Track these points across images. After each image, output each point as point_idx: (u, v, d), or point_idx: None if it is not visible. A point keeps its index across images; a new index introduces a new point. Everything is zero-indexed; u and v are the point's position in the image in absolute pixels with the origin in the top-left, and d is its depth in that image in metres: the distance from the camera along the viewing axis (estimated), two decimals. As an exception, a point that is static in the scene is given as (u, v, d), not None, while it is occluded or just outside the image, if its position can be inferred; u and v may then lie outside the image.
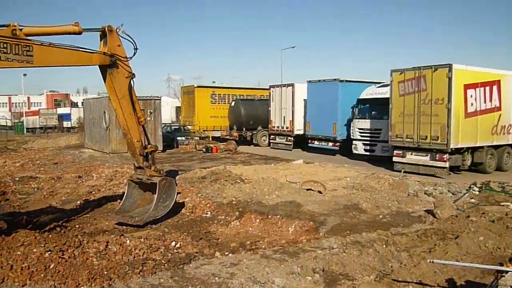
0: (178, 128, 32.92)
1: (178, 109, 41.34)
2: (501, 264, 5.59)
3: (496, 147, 18.33)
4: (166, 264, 7.48)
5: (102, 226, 10.16)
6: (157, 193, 10.24)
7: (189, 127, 33.52)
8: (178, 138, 29.46)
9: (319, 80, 25.23)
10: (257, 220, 10.50)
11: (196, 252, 8.31)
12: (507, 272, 4.91)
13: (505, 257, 6.66)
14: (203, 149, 26.72)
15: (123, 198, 10.95)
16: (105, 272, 6.90)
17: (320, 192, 13.09)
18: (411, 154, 17.82)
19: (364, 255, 7.54)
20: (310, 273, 6.83)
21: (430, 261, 6.27)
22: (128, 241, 8.29)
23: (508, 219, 9.52)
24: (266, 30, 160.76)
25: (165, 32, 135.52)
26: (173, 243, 8.65)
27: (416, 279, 6.59)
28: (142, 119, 10.85)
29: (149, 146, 11.03)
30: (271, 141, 29.68)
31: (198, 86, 34.42)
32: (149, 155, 10.93)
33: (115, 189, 14.10)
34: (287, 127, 27.82)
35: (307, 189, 13.26)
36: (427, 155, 17.24)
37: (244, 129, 31.03)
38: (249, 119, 30.86)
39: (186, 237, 9.33)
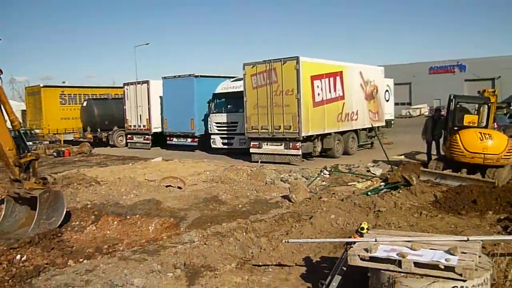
0: (24, 133, 30.03)
1: (24, 113, 37.85)
2: (349, 237, 5.97)
3: (342, 133, 19.79)
4: (10, 281, 6.70)
5: None
6: (38, 208, 8.91)
7: (37, 130, 30.82)
8: (24, 143, 26.93)
9: (174, 76, 24.92)
10: (115, 222, 10.00)
11: (47, 263, 7.57)
12: (354, 242, 5.24)
13: (354, 231, 7.15)
14: (54, 153, 24.86)
15: (1, 218, 9.39)
16: None
17: (179, 187, 12.93)
18: (267, 144, 18.43)
19: (225, 244, 7.55)
20: (171, 269, 6.65)
21: (285, 241, 6.48)
22: (-39, 261, 7.30)
23: (355, 196, 10.35)
24: (119, 28, 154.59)
25: (6, 29, 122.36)
26: (18, 256, 7.80)
27: (275, 262, 6.76)
28: (16, 123, 9.41)
29: (29, 154, 9.44)
30: (128, 141, 28.73)
31: (45, 86, 31.78)
32: (29, 165, 9.38)
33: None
34: (144, 126, 27.11)
35: (167, 186, 13.02)
36: (281, 145, 17.96)
37: (99, 130, 29.45)
38: (104, 119, 29.38)
39: (35, 249, 8.39)
